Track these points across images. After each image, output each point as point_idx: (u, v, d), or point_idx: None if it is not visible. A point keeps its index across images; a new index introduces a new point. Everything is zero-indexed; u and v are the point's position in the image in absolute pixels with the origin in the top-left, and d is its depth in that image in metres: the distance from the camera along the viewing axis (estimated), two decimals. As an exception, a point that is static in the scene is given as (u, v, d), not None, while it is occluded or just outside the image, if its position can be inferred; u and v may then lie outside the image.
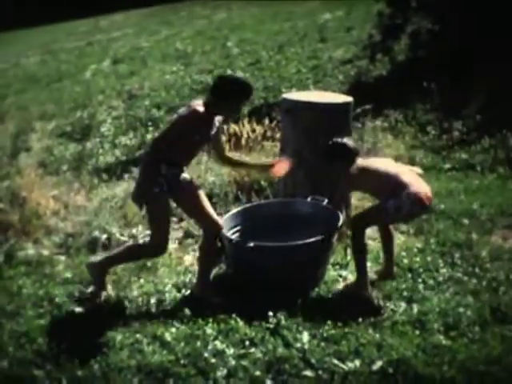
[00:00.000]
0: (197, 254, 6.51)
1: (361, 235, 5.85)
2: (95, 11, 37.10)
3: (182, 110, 5.66)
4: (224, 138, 6.20)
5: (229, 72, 5.81)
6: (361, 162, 5.95)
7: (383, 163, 6.03)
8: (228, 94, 5.59)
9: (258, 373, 4.71)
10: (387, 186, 5.72)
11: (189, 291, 6.03)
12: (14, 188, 8.37)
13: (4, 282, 6.45)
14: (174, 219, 7.44)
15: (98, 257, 6.46)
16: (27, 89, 19.90)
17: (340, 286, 6.05)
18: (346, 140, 6.06)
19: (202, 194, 5.87)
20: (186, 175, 5.76)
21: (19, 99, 18.23)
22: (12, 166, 10.50)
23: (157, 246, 5.77)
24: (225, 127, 9.14)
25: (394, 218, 5.87)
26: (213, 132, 5.78)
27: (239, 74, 5.72)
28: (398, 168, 5.92)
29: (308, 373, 4.69)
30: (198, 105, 5.55)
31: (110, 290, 6.01)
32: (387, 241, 6.18)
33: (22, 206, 7.92)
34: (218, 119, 5.80)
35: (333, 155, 6.03)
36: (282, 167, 6.22)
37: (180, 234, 7.54)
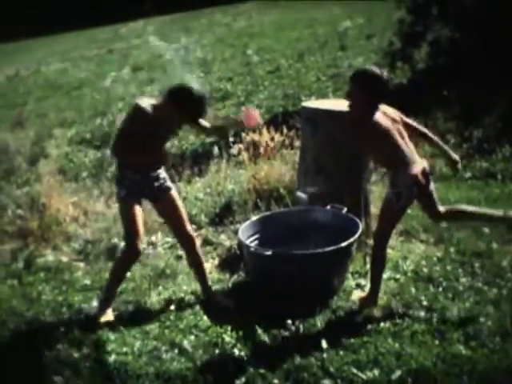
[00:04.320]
0: (216, 261, 6.52)
1: (382, 247, 5.73)
2: (116, 19, 37.25)
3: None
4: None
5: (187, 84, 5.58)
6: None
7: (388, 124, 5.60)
8: (180, 104, 5.51)
9: (276, 381, 4.70)
10: (391, 160, 5.60)
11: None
12: (34, 195, 8.42)
13: (23, 289, 6.47)
14: (194, 226, 7.44)
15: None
16: (47, 96, 20.00)
17: (355, 296, 6.00)
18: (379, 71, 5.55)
19: (175, 202, 5.89)
20: (162, 182, 5.80)
21: (39, 106, 18.34)
22: (32, 172, 10.56)
23: (127, 249, 5.70)
24: (243, 135, 9.15)
25: (400, 206, 5.60)
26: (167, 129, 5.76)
27: (196, 86, 5.57)
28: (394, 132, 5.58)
29: (326, 382, 4.68)
30: (142, 102, 5.54)
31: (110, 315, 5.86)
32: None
33: (41, 213, 7.96)
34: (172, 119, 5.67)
35: (359, 82, 5.55)
36: (251, 117, 6.07)
37: (198, 241, 7.53)
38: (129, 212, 5.62)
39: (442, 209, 5.86)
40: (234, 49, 22.62)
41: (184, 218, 5.90)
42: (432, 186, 5.75)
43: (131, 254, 5.70)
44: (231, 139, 10.43)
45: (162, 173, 5.84)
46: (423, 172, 5.52)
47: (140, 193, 5.68)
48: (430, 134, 5.92)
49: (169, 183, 5.87)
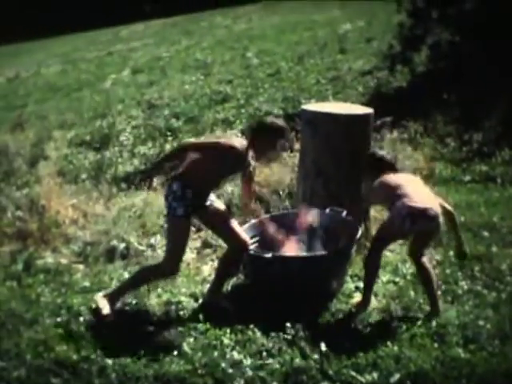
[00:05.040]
0: (215, 264, 6.51)
1: (376, 256, 5.80)
2: (116, 21, 37.27)
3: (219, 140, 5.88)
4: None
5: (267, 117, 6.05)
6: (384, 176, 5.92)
7: (400, 177, 5.97)
8: (261, 135, 5.82)
9: (275, 384, 4.70)
10: (389, 198, 5.71)
11: (206, 301, 6.04)
12: (33, 196, 8.41)
13: (23, 290, 6.46)
14: (192, 229, 7.43)
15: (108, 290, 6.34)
16: (47, 98, 19.98)
17: (355, 300, 5.99)
18: (384, 153, 6.17)
19: (227, 212, 6.03)
20: (212, 197, 5.92)
21: (39, 108, 18.31)
22: (31, 174, 10.54)
23: (167, 266, 5.77)
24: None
25: (393, 232, 5.73)
26: (244, 168, 5.87)
27: (277, 119, 5.92)
28: (407, 181, 5.87)
29: (325, 384, 4.68)
30: (238, 141, 5.79)
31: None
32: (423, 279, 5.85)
33: (40, 215, 7.95)
34: (251, 156, 5.86)
35: (371, 165, 6.08)
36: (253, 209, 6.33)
37: (198, 243, 7.54)
38: (183, 233, 5.74)
39: (423, 259, 5.81)
40: (233, 51, 22.62)
41: (238, 227, 5.99)
42: (431, 231, 5.72)
43: (169, 272, 5.88)
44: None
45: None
46: (424, 211, 5.51)
47: (193, 213, 5.77)
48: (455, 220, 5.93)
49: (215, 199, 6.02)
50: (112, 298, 5.81)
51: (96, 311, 5.68)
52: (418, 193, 5.66)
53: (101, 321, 5.62)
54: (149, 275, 5.97)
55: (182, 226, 5.69)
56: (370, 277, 5.80)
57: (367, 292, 5.81)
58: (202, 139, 6.09)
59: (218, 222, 5.96)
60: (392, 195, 5.65)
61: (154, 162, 5.81)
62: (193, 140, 6.01)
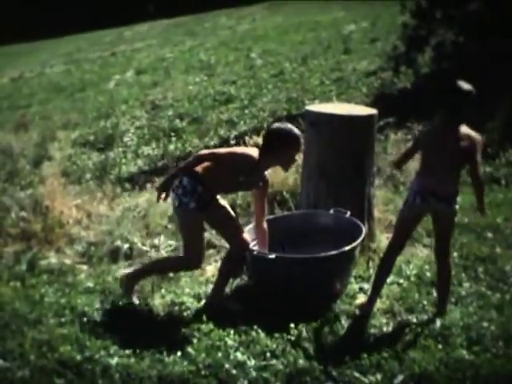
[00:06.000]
0: (219, 264, 6.51)
1: (387, 253, 5.79)
2: (120, 21, 37.30)
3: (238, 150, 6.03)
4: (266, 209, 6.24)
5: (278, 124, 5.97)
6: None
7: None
8: (276, 145, 5.74)
9: (278, 385, 4.70)
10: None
11: (210, 302, 6.04)
12: (37, 197, 8.41)
13: (26, 291, 6.46)
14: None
15: (130, 269, 6.53)
16: (51, 98, 20.02)
17: (359, 301, 5.98)
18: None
19: (231, 211, 6.04)
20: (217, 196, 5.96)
21: (43, 108, 18.35)
22: (35, 174, 10.56)
23: (191, 259, 5.86)
24: (247, 139, 9.14)
25: (404, 215, 5.66)
26: (256, 182, 5.87)
27: (288, 125, 5.86)
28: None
29: (329, 386, 4.68)
30: (254, 151, 5.78)
31: (135, 299, 6.05)
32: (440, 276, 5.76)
33: (44, 215, 7.95)
34: (265, 170, 5.89)
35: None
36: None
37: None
38: (198, 226, 5.81)
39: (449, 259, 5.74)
40: (237, 52, 22.65)
41: (240, 226, 6.05)
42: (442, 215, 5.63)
43: (194, 265, 5.98)
44: (233, 142, 10.45)
45: None
46: (435, 191, 5.49)
47: (205, 210, 5.78)
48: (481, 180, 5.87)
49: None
50: (134, 276, 6.11)
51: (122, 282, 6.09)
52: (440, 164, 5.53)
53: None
54: (175, 265, 6.15)
55: (195, 219, 5.76)
56: (379, 276, 5.80)
57: (375, 293, 5.78)
58: (219, 150, 6.07)
59: (221, 221, 5.98)
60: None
61: (171, 173, 5.81)
62: (209, 150, 6.01)
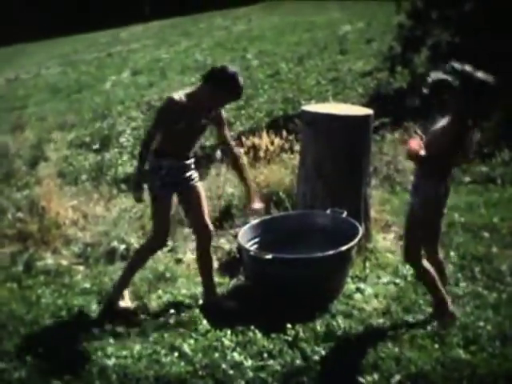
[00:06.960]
0: (215, 265, 6.52)
1: (414, 259, 5.44)
2: (115, 22, 37.27)
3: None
4: (232, 140, 6.17)
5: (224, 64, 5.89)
6: None
7: None
8: (216, 82, 5.65)
9: (275, 385, 4.71)
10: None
11: (207, 302, 6.04)
12: (34, 198, 8.41)
13: (23, 292, 6.46)
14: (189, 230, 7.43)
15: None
16: (47, 99, 20.01)
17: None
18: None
19: (201, 194, 6.01)
20: (193, 172, 5.93)
21: (39, 109, 18.34)
22: (31, 175, 10.56)
23: (154, 237, 5.90)
24: (243, 139, 9.14)
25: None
26: (203, 119, 5.81)
27: (233, 67, 5.79)
28: None
29: (326, 386, 4.69)
30: (175, 93, 5.75)
31: (129, 302, 6.02)
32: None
33: (41, 216, 7.94)
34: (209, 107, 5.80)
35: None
36: (256, 209, 6.16)
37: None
38: (163, 205, 5.79)
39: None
40: (233, 52, 22.65)
41: (205, 212, 5.98)
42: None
43: (157, 244, 5.96)
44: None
45: (192, 164, 5.96)
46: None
47: (173, 185, 5.79)
48: None
49: (197, 177, 6.01)
50: (118, 291, 6.01)
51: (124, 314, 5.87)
52: None
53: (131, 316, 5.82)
54: (142, 254, 6.08)
55: (160, 197, 5.75)
56: (427, 282, 5.48)
57: (435, 295, 5.48)
58: None
59: (191, 205, 6.00)
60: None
61: (136, 167, 5.84)
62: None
